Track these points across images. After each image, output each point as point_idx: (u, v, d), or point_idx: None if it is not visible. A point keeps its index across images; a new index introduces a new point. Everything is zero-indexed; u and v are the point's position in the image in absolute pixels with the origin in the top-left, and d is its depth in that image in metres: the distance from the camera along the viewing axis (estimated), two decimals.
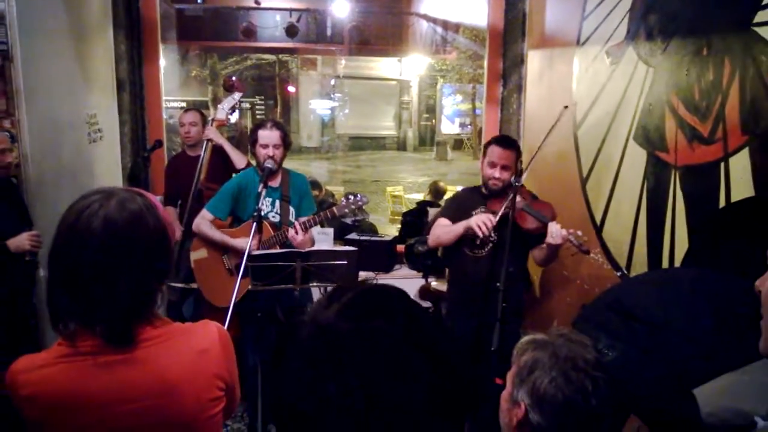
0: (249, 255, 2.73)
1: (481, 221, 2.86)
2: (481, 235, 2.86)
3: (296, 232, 3.05)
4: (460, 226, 2.99)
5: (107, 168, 4.32)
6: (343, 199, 3.19)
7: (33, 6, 3.28)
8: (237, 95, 3.99)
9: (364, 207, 3.26)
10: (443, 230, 3.11)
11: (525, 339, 1.37)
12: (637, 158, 2.79)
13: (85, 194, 1.21)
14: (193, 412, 1.22)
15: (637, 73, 2.82)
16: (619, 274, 2.94)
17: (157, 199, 1.31)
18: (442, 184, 6.62)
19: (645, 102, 2.74)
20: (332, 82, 21.37)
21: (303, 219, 3.15)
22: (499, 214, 2.90)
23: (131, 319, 1.18)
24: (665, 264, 2.55)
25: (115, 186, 1.29)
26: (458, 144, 21.68)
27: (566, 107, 3.18)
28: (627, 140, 2.88)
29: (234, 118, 3.99)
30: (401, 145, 23.14)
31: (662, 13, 2.67)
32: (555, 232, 2.77)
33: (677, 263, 2.47)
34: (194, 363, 1.23)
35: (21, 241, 2.89)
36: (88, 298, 1.15)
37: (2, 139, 2.93)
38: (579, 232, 2.79)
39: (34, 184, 3.26)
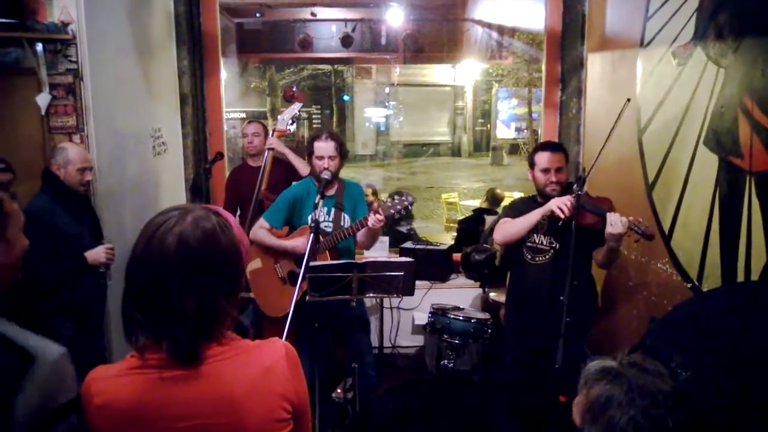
0: (307, 264, 2.74)
1: (561, 202, 2.80)
2: (562, 216, 2.78)
3: (377, 218, 3.01)
4: (535, 213, 2.93)
5: (171, 180, 4.45)
6: (388, 199, 3.15)
7: (101, 27, 3.42)
8: (297, 105, 4.03)
9: (410, 207, 3.22)
10: (512, 224, 3.04)
11: (593, 367, 1.30)
12: (708, 164, 2.65)
13: (164, 210, 1.23)
14: (256, 431, 1.20)
15: (706, 74, 2.69)
16: (689, 285, 2.80)
17: (233, 219, 1.31)
18: (499, 191, 6.51)
19: (716, 105, 2.61)
20: (387, 90, 21.45)
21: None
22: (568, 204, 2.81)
23: (197, 337, 1.18)
24: (740, 276, 2.41)
25: (194, 204, 1.32)
26: (514, 149, 21.34)
27: (629, 100, 3.05)
28: (696, 145, 2.75)
29: (293, 128, 4.04)
30: (456, 151, 22.98)
31: (733, 11, 2.53)
32: (615, 220, 2.67)
33: (754, 275, 2.32)
34: (259, 380, 1.21)
35: (98, 253, 3.02)
36: (157, 312, 1.16)
37: (86, 159, 3.07)
38: (640, 219, 2.68)
39: (102, 196, 3.39)
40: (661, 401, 1.18)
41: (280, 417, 1.23)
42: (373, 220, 3.00)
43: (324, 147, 3.21)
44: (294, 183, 3.68)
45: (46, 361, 1.20)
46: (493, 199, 6.24)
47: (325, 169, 3.17)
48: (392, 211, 3.06)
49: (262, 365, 1.23)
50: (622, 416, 1.18)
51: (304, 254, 2.60)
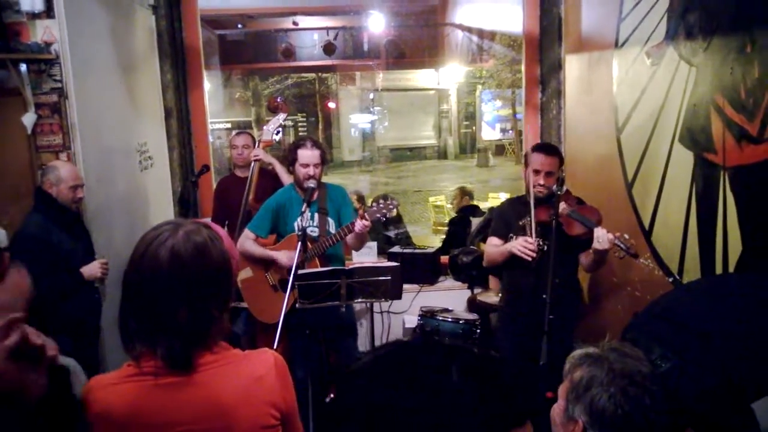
0: (295, 273, 2.78)
1: (521, 246, 2.87)
2: (530, 259, 2.86)
3: (364, 222, 3.07)
4: (506, 248, 3.01)
5: (158, 193, 4.47)
6: (373, 203, 3.20)
7: (84, 45, 3.45)
8: (282, 116, 4.07)
9: (395, 210, 3.28)
10: (495, 251, 3.13)
11: (577, 353, 1.36)
12: (684, 160, 2.73)
13: (157, 225, 1.29)
14: None
15: (679, 73, 2.77)
16: (671, 279, 2.87)
17: (224, 232, 1.36)
18: (468, 186, 6.61)
19: (689, 102, 2.69)
20: (371, 95, 21.53)
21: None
22: (534, 232, 2.89)
23: (190, 345, 1.23)
24: (719, 267, 2.48)
25: (186, 219, 1.37)
26: (500, 150, 21.47)
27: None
28: (672, 142, 2.82)
29: (278, 137, 4.07)
30: (442, 154, 23.09)
31: (702, 11, 2.61)
32: (602, 236, 2.74)
33: (731, 267, 2.40)
34: (249, 389, 1.26)
35: (94, 268, 3.08)
36: (152, 322, 1.22)
37: (78, 176, 3.11)
38: (626, 236, 2.75)
39: (91, 212, 3.41)
40: (638, 380, 1.24)
41: (267, 423, 1.28)
42: (359, 225, 3.06)
43: (309, 155, 3.25)
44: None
45: (75, 371, 1.26)
46: (463, 193, 6.32)
47: (311, 176, 3.22)
48: (378, 215, 3.12)
49: (252, 375, 1.28)
50: (603, 394, 1.24)
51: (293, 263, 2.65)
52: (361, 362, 0.77)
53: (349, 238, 3.23)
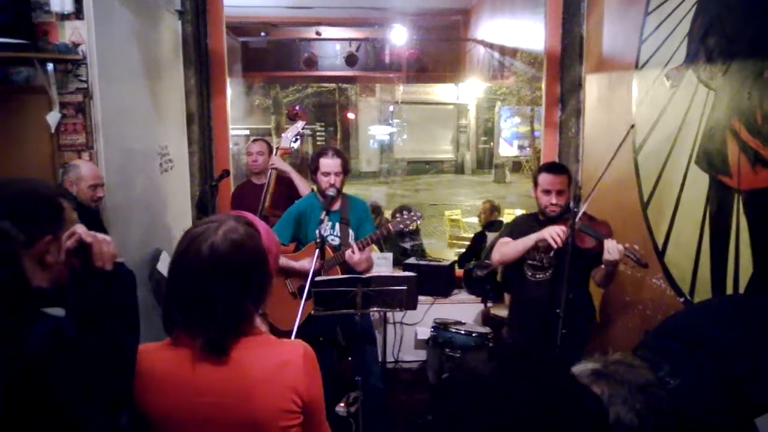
0: (312, 280, 2.82)
1: (555, 232, 2.85)
2: (555, 245, 2.85)
3: (353, 252, 3.12)
4: (530, 239, 2.98)
5: (177, 196, 4.54)
6: (397, 215, 3.23)
7: (111, 48, 3.52)
8: (300, 124, 4.12)
9: (418, 222, 3.31)
10: (509, 246, 3.11)
11: (581, 372, 1.36)
12: (699, 182, 2.73)
13: (201, 221, 1.39)
14: (265, 417, 1.31)
15: (697, 96, 2.78)
16: (682, 299, 2.86)
17: (264, 226, 1.44)
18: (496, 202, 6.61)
19: (706, 125, 2.69)
20: (390, 108, 21.64)
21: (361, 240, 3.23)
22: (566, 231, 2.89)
23: (226, 335, 1.31)
24: (729, 289, 2.47)
25: (228, 215, 1.45)
26: (517, 166, 21.45)
27: (633, 126, 3.13)
28: (688, 164, 2.83)
29: (296, 145, 4.13)
30: (459, 169, 23.11)
31: (722, 35, 2.62)
32: (612, 247, 2.75)
33: (741, 288, 2.39)
34: (275, 370, 1.33)
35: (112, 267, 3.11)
36: (192, 314, 1.31)
37: (98, 175, 3.17)
38: (636, 246, 2.76)
39: (110, 212, 3.47)
40: (653, 390, 1.26)
41: (288, 408, 1.33)
42: (348, 254, 3.14)
43: (330, 164, 3.29)
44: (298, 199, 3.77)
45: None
46: (492, 208, 6.31)
47: (331, 185, 3.26)
48: (401, 226, 3.16)
49: (280, 358, 1.35)
50: (627, 411, 1.25)
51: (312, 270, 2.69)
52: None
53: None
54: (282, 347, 1.38)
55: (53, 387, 1.19)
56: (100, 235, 1.31)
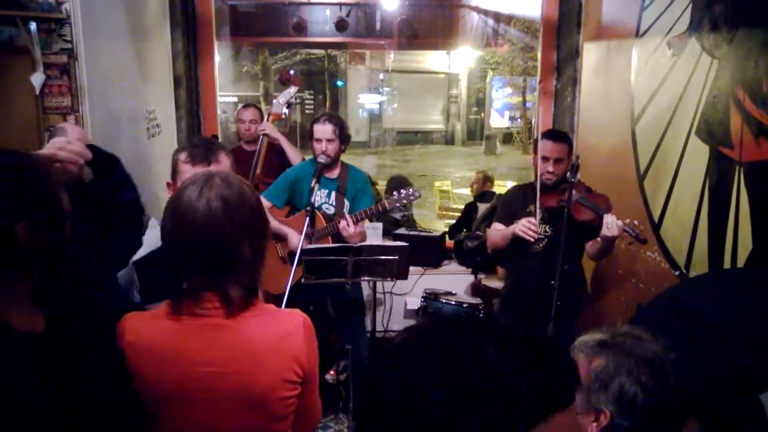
0: (302, 249, 2.77)
1: (523, 227, 2.84)
2: (531, 240, 2.86)
3: (348, 225, 3.07)
4: (508, 231, 2.99)
5: (164, 162, 4.40)
6: (395, 192, 3.19)
7: (96, 7, 3.40)
8: (293, 89, 4.01)
9: (415, 202, 3.27)
10: (497, 234, 3.12)
11: (586, 341, 1.34)
12: (699, 154, 2.69)
13: (181, 186, 1.32)
14: (266, 387, 1.29)
15: (700, 65, 2.72)
16: (677, 273, 2.85)
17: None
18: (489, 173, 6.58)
19: (708, 95, 2.64)
20: (381, 76, 21.38)
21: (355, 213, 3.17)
22: (538, 214, 2.89)
23: (256, 280, 1.32)
24: (727, 263, 2.45)
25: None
26: (508, 138, 21.37)
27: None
28: (688, 135, 2.78)
29: (287, 111, 4.03)
30: (449, 139, 22.98)
31: (729, 3, 2.55)
32: (611, 223, 2.72)
33: (740, 263, 2.37)
34: (278, 341, 1.31)
35: None
36: (219, 268, 1.27)
37: (85, 139, 3.06)
38: (636, 221, 2.74)
39: None
40: (659, 364, 1.26)
41: (289, 378, 1.32)
42: (342, 225, 3.09)
43: (321, 129, 3.22)
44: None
45: None
46: (485, 179, 6.28)
47: (322, 152, 3.19)
48: (397, 204, 3.12)
49: (283, 329, 1.33)
50: (632, 382, 1.25)
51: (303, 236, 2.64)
52: (396, 341, 0.75)
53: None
54: (283, 318, 1.36)
55: None
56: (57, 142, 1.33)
